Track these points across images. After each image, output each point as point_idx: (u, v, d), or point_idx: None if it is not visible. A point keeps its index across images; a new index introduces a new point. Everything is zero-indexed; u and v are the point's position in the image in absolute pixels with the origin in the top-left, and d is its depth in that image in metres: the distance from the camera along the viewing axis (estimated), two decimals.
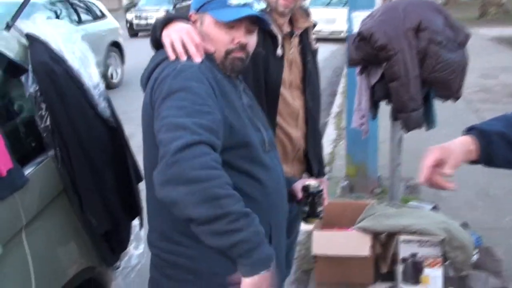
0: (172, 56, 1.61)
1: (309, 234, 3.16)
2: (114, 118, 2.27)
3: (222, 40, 1.63)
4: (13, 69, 2.05)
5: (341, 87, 9.11)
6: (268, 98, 2.05)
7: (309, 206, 1.78)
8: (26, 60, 2.02)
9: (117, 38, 10.28)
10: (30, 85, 1.97)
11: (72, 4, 9.49)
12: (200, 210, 1.33)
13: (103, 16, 10.20)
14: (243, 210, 1.36)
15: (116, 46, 10.16)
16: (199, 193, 1.33)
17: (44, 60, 2.00)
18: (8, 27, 2.14)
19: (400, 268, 2.63)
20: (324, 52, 13.73)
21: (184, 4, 19.56)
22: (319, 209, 1.79)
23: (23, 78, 2.00)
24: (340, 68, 11.05)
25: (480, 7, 20.47)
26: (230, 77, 1.68)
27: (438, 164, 1.53)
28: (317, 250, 2.78)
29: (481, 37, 14.24)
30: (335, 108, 7.95)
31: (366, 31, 3.06)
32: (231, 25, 1.62)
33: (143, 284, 1.82)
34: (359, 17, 3.46)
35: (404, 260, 2.62)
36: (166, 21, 1.68)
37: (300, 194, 1.78)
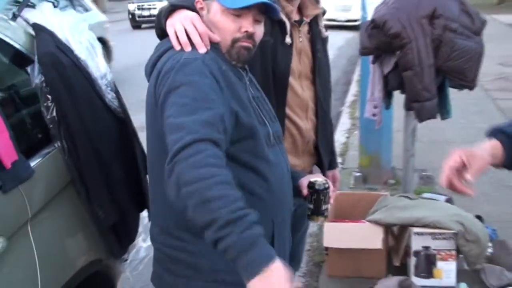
0: (177, 47, 1.58)
1: (321, 226, 3.13)
2: (122, 109, 2.25)
3: (229, 28, 1.59)
4: (20, 59, 2.03)
5: (356, 76, 9.01)
6: (276, 88, 2.00)
7: (313, 203, 1.72)
8: (33, 50, 1.99)
9: (103, 33, 9.46)
10: (36, 75, 1.95)
11: None
12: (195, 214, 1.31)
13: (86, 10, 9.63)
14: (233, 216, 1.28)
15: (102, 42, 9.44)
16: (193, 195, 1.30)
17: (50, 50, 1.97)
18: (14, 16, 2.12)
19: (412, 261, 2.59)
20: (339, 40, 13.62)
21: None
22: (324, 207, 1.72)
23: (29, 68, 1.98)
24: (355, 57, 10.94)
25: None
26: (236, 68, 1.63)
27: (460, 167, 1.48)
28: (328, 243, 2.76)
29: (500, 24, 14.01)
30: (349, 97, 7.88)
31: (379, 19, 3.00)
32: (238, 13, 1.58)
33: None
34: (373, 4, 3.38)
35: (416, 253, 2.59)
36: (171, 9, 1.65)
37: (305, 191, 1.74)
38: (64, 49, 2.04)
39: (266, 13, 1.63)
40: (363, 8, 4.17)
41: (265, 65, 1.97)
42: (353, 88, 8.30)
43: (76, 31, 2.15)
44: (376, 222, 2.68)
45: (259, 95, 1.71)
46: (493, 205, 3.88)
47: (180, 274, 1.61)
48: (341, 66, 10.77)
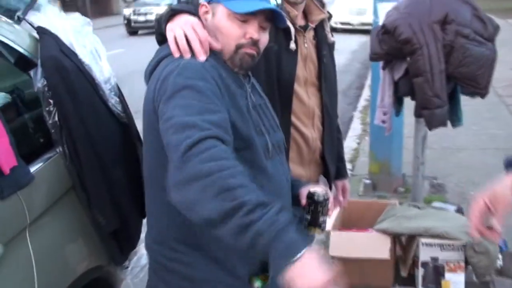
0: (176, 53, 1.55)
1: (328, 234, 3.09)
2: (126, 114, 2.22)
3: (234, 34, 1.56)
4: (23, 63, 2.02)
5: (369, 80, 8.95)
6: (281, 96, 1.96)
7: (311, 214, 1.68)
8: (36, 54, 1.98)
9: None
10: (38, 79, 1.94)
11: None
12: (215, 205, 1.26)
13: None
14: (262, 199, 1.27)
15: None
16: (211, 186, 1.27)
17: (53, 54, 1.96)
18: (19, 20, 2.11)
19: (420, 272, 2.55)
20: (353, 44, 13.56)
21: None
22: (322, 219, 1.68)
23: (31, 72, 1.97)
24: (369, 61, 10.90)
25: None
26: (236, 75, 1.60)
27: (486, 212, 1.49)
28: (335, 252, 2.71)
29: None
30: (362, 102, 7.83)
31: (390, 24, 2.97)
32: (245, 18, 1.55)
33: None
34: (385, 8, 3.35)
35: (424, 263, 2.54)
36: (171, 13, 1.62)
37: (304, 201, 1.70)
38: (68, 53, 2.02)
39: (273, 20, 1.60)
40: (375, 12, 4.12)
41: (269, 72, 1.93)
42: (366, 93, 8.25)
43: (80, 35, 2.14)
44: (384, 232, 2.63)
45: (261, 102, 1.67)
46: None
47: (175, 285, 1.58)
48: (355, 70, 10.72)
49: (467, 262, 2.50)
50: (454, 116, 3.20)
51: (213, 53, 1.56)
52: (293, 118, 2.03)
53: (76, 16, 2.21)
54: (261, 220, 1.24)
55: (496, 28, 3.01)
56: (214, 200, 1.26)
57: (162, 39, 1.64)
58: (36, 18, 2.11)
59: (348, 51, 12.66)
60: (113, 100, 2.16)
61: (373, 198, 4.25)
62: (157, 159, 1.52)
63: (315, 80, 2.09)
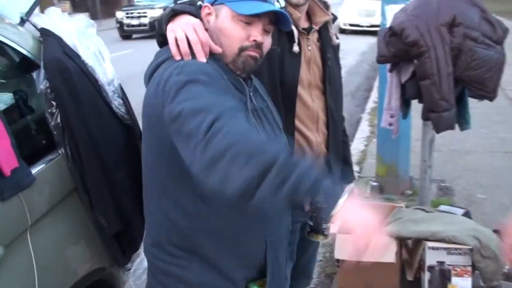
0: (177, 56, 1.53)
1: (334, 237, 3.06)
2: (129, 115, 2.21)
3: (237, 36, 1.54)
4: (26, 64, 2.01)
5: (377, 82, 8.91)
6: (284, 99, 1.93)
7: (313, 220, 1.66)
8: (39, 55, 1.98)
9: None
10: (41, 81, 1.93)
11: None
12: (249, 168, 1.24)
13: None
14: (293, 156, 1.29)
15: None
16: (244, 149, 1.26)
17: (56, 56, 1.95)
18: (22, 21, 2.11)
19: (426, 276, 2.52)
20: (362, 46, 13.52)
21: None
22: (324, 225, 1.66)
23: (34, 74, 1.96)
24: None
25: None
26: (237, 79, 1.58)
27: None
28: (340, 255, 2.68)
29: None
30: (370, 104, 7.79)
31: (397, 26, 2.94)
32: (249, 20, 1.53)
33: None
34: (393, 10, 3.32)
35: (431, 268, 2.51)
36: (172, 14, 1.60)
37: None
38: (71, 55, 2.02)
39: (277, 24, 1.59)
40: (383, 14, 4.09)
41: (272, 75, 1.90)
42: (374, 95, 8.20)
43: (83, 37, 2.13)
44: (390, 235, 2.61)
45: (263, 106, 1.65)
46: None
47: None
48: (363, 72, 10.68)
49: (474, 267, 2.46)
50: (462, 119, 3.16)
51: (213, 57, 1.55)
52: (297, 122, 2.00)
53: (80, 18, 2.20)
54: (300, 166, 1.24)
55: (506, 31, 2.97)
56: (247, 165, 1.25)
57: (162, 40, 1.62)
58: (40, 19, 2.10)
59: (357, 52, 12.62)
60: (116, 102, 2.15)
61: (380, 200, 4.22)
62: (157, 162, 1.51)
63: (320, 83, 2.06)
